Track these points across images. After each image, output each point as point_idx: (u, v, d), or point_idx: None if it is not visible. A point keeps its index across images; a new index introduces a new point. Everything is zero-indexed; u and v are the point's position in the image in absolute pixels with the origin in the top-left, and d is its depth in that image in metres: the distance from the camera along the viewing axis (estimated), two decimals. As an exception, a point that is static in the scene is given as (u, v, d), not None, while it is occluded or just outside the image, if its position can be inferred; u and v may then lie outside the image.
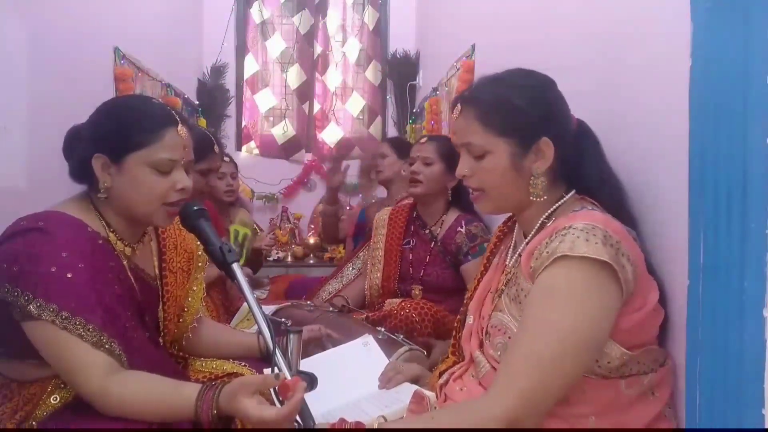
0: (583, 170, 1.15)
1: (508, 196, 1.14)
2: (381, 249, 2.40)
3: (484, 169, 1.13)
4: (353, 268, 2.82)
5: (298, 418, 1.01)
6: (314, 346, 1.57)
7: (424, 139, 2.40)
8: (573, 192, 1.15)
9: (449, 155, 2.29)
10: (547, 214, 1.14)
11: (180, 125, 1.27)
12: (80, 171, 1.27)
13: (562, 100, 1.16)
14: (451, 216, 2.32)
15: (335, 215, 3.21)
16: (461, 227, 2.26)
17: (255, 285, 3.04)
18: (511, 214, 1.33)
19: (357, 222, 3.15)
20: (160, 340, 1.39)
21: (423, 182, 2.27)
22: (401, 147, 2.91)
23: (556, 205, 1.14)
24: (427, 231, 2.35)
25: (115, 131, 1.23)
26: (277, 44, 4.71)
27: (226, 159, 3.05)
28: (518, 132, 1.10)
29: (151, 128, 1.23)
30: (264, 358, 1.50)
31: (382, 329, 1.85)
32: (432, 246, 2.31)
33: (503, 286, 1.18)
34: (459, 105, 1.15)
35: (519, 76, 1.14)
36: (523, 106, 1.10)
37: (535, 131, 1.10)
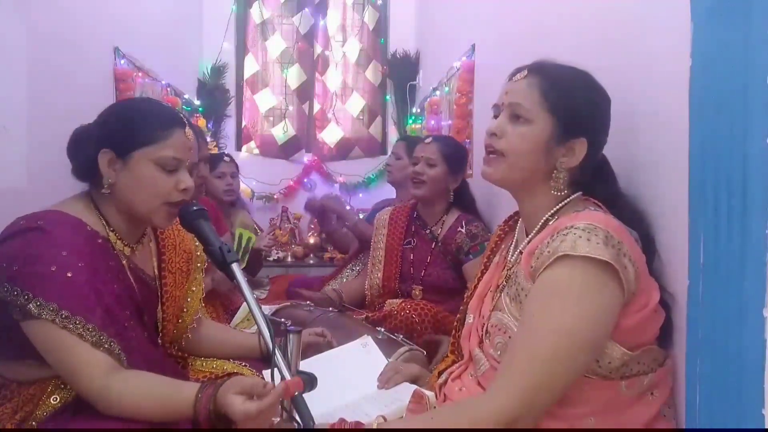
0: (600, 187, 1.17)
1: (522, 171, 1.14)
2: (382, 249, 2.40)
3: (517, 134, 1.13)
4: (353, 269, 2.81)
5: (297, 418, 1.01)
6: (313, 351, 1.57)
7: (428, 140, 2.38)
8: (579, 193, 1.16)
9: (453, 157, 2.29)
10: (551, 212, 1.14)
11: (187, 128, 1.30)
12: (85, 168, 1.27)
13: (609, 122, 1.18)
14: (452, 216, 2.32)
15: (336, 232, 3.21)
16: (462, 227, 2.25)
17: (254, 285, 3.04)
18: (509, 215, 1.34)
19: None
20: (159, 340, 1.39)
21: (426, 183, 2.27)
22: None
23: (562, 203, 1.14)
24: (427, 231, 2.34)
25: (124, 127, 1.25)
26: (277, 44, 4.71)
27: (227, 159, 3.06)
28: (567, 119, 1.11)
29: (160, 126, 1.25)
30: (264, 359, 1.50)
31: (382, 329, 1.85)
32: (433, 246, 2.30)
33: (504, 282, 1.18)
34: (525, 71, 1.17)
35: (590, 78, 1.17)
36: (583, 101, 1.13)
37: (579, 127, 1.12)
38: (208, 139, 4.11)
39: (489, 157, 1.17)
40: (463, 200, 2.38)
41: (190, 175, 1.30)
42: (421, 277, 2.28)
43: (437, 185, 2.28)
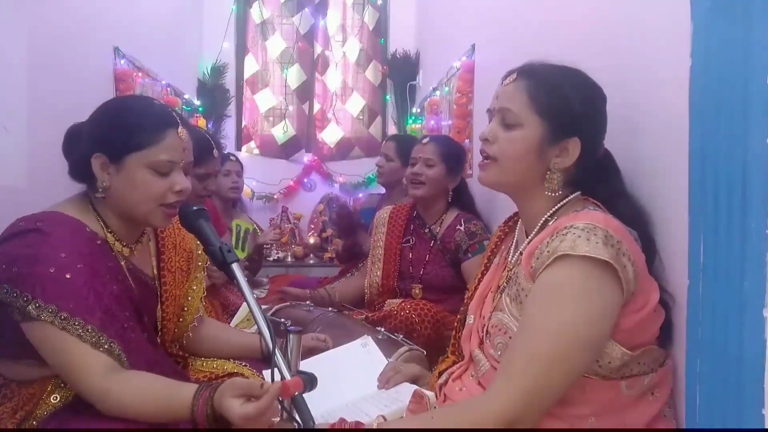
0: (601, 186, 1.16)
1: (516, 175, 1.15)
2: (381, 247, 2.40)
3: (508, 139, 1.13)
4: (352, 276, 2.81)
5: (297, 418, 1.01)
6: (312, 354, 1.57)
7: (426, 140, 2.37)
8: (578, 192, 1.16)
9: (451, 157, 2.29)
10: (550, 212, 1.14)
11: (180, 127, 1.27)
12: (79, 170, 1.27)
13: (605, 119, 1.18)
14: (451, 215, 2.33)
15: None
16: (460, 225, 2.26)
17: (254, 285, 3.05)
18: (509, 216, 1.34)
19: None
20: (158, 340, 1.39)
21: (425, 183, 2.27)
22: (407, 153, 2.59)
23: (561, 203, 1.14)
24: (426, 230, 2.35)
25: (115, 131, 1.23)
26: (277, 44, 4.71)
27: (233, 158, 3.08)
28: (556, 119, 1.11)
29: (151, 129, 1.23)
30: (264, 359, 1.50)
31: (382, 329, 1.85)
32: (432, 245, 2.31)
33: (504, 283, 1.18)
34: (515, 74, 1.17)
35: (581, 76, 1.16)
36: (572, 100, 1.12)
37: (571, 127, 1.11)
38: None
39: (483, 162, 1.18)
40: (462, 199, 2.38)
41: (185, 175, 1.29)
42: (420, 275, 2.29)
43: (436, 185, 2.28)
